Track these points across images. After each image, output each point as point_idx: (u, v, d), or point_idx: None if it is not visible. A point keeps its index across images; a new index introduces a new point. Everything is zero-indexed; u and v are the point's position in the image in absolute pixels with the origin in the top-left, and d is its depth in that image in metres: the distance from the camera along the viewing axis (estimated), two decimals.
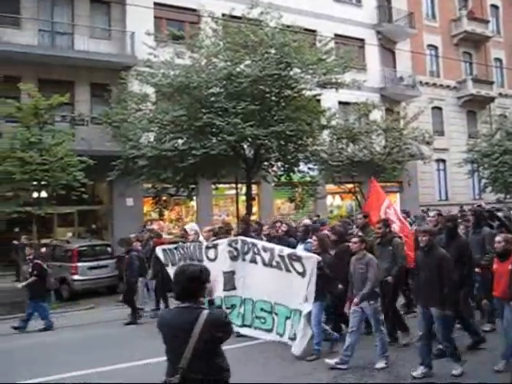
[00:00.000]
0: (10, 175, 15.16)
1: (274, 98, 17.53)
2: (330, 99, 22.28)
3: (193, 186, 19.43)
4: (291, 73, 17.26)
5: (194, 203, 23.69)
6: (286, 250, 8.93)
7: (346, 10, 29.58)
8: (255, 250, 9.29)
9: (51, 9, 22.21)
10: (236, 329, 9.28)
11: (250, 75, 16.35)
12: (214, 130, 16.50)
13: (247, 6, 18.17)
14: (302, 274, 8.33)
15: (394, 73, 31.21)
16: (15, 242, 16.35)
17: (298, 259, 8.49)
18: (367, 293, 7.52)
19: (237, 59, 16.82)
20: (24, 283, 12.40)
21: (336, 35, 26.10)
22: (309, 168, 20.18)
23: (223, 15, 19.80)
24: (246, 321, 9.40)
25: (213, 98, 16.46)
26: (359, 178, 23.11)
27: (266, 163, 18.96)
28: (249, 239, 9.85)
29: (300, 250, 9.54)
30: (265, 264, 9.10)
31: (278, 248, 9.11)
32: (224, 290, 9.69)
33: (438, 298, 6.93)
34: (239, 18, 18.57)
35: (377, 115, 24.15)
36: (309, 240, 9.83)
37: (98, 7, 22.95)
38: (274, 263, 8.90)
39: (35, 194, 16.57)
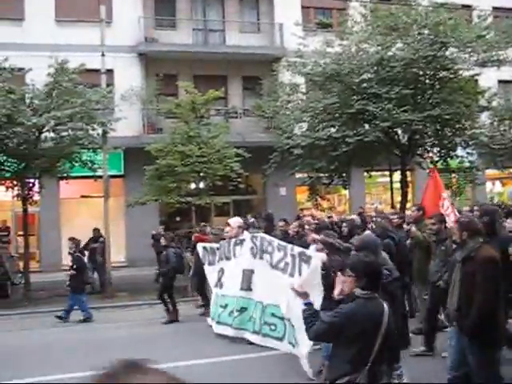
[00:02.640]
0: (173, 168, 16.06)
1: (428, 80, 16.82)
2: (489, 78, 20.87)
3: (346, 174, 19.26)
4: (447, 53, 16.41)
5: (346, 192, 23.53)
6: (297, 249, 8.13)
7: None
8: (270, 248, 8.63)
9: (203, 8, 23.19)
10: (247, 335, 8.96)
11: (403, 58, 15.80)
12: (366, 116, 16.22)
13: None
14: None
15: None
16: (153, 232, 17.14)
17: (308, 260, 7.67)
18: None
19: (388, 43, 16.33)
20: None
21: (494, 8, 24.39)
22: (467, 153, 19.11)
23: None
24: (255, 327, 8.74)
25: (365, 84, 16.12)
26: None
27: (420, 149, 18.27)
28: (268, 236, 9.24)
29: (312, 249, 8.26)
30: (272, 265, 8.49)
31: (289, 246, 8.35)
32: (240, 289, 9.24)
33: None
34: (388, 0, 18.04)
35: None
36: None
37: (247, 2, 23.54)
38: (282, 265, 8.22)
39: (194, 186, 17.41)
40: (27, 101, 15.38)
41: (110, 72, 19.21)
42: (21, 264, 16.97)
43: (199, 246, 11.20)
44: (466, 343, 5.08)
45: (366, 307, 3.91)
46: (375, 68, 16.33)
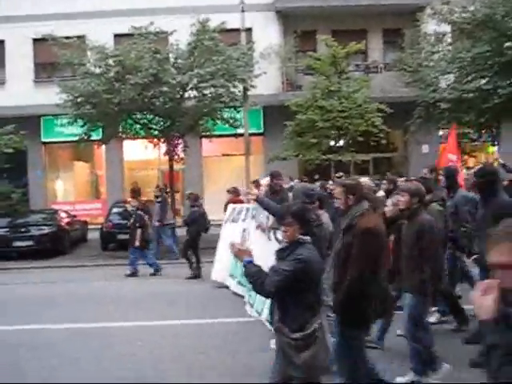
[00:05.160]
0: (313, 123, 15.88)
1: None
2: None
3: (496, 129, 17.95)
4: None
5: (494, 149, 21.97)
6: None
7: None
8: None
9: None
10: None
11: None
12: None
13: None
14: None
15: None
16: None
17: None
18: None
19: None
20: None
21: None
22: None
23: None
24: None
25: None
26: None
27: None
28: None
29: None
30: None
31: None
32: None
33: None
34: None
35: None
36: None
37: None
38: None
39: (333, 142, 17.14)
40: (171, 60, 15.88)
41: (248, 30, 19.31)
42: None
43: (230, 207, 11.44)
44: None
45: (315, 252, 3.99)
46: None
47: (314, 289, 3.96)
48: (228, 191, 12.93)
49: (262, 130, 21.30)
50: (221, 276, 10.69)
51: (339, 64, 16.96)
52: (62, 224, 17.10)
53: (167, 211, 15.01)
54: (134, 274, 12.74)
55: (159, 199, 14.91)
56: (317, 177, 20.20)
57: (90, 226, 19.67)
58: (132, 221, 13.04)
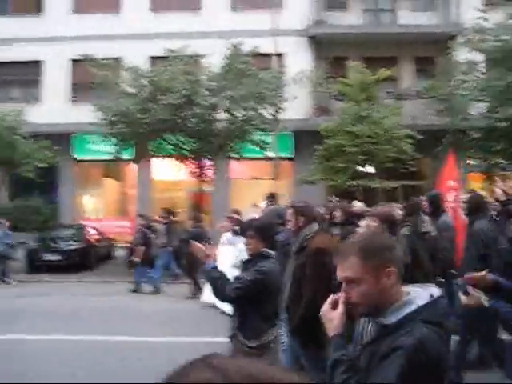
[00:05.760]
0: (341, 148, 15.92)
1: None
2: None
3: None
4: None
5: None
6: None
7: None
8: None
9: None
10: None
11: None
12: None
13: None
14: None
15: None
16: None
17: None
18: None
19: None
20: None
21: None
22: None
23: None
24: None
25: None
26: None
27: None
28: None
29: None
30: None
31: None
32: None
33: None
34: None
35: None
36: None
37: None
38: None
39: (361, 168, 17.11)
40: (204, 82, 16.14)
41: (280, 55, 19.56)
42: None
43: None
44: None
45: (276, 265, 4.16)
46: None
47: (272, 300, 4.10)
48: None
49: (292, 155, 21.36)
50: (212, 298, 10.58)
51: (369, 90, 17.02)
52: (90, 240, 17.36)
53: (173, 233, 15.12)
54: (136, 291, 13.13)
55: (166, 221, 15.06)
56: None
57: (118, 244, 19.88)
58: (136, 238, 13.57)
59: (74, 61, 20.97)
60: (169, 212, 15.50)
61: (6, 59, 22.02)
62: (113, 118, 15.77)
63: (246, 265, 4.24)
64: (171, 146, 16.95)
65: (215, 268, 4.05)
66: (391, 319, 2.00)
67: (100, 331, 8.75)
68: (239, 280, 3.98)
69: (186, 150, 16.78)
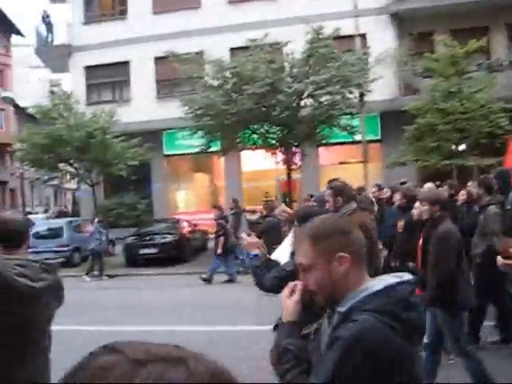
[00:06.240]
0: (433, 127, 15.35)
1: None
2: None
3: None
4: None
5: None
6: None
7: None
8: None
9: None
10: None
11: None
12: None
13: None
14: None
15: None
16: None
17: None
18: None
19: None
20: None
21: None
22: None
23: None
24: None
25: None
26: None
27: None
28: None
29: None
30: None
31: None
32: None
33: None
34: None
35: None
36: None
37: None
38: None
39: (454, 146, 16.42)
40: (287, 70, 16.03)
41: (362, 36, 19.10)
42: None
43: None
44: None
45: None
46: None
47: None
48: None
49: (379, 137, 20.88)
50: None
51: (459, 64, 16.26)
52: (184, 233, 17.76)
53: (241, 224, 15.37)
54: (208, 281, 13.29)
55: (233, 211, 15.28)
56: (438, 183, 19.49)
57: (211, 236, 20.23)
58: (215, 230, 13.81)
59: (158, 58, 21.47)
60: (235, 202, 15.77)
61: (97, 63, 22.97)
62: (199, 112, 16.00)
63: (292, 255, 4.16)
64: (257, 136, 16.99)
65: (257, 255, 4.03)
66: (343, 308, 1.89)
67: (203, 322, 8.92)
68: (279, 269, 3.85)
69: (273, 139, 16.75)
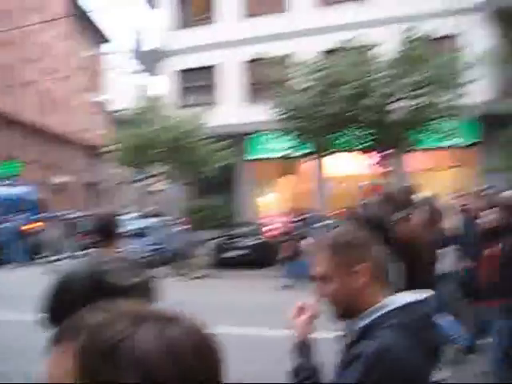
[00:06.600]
0: None
1: None
2: None
3: None
4: None
5: None
6: None
7: None
8: None
9: None
10: None
11: None
12: None
13: None
14: None
15: None
16: None
17: None
18: None
19: None
20: None
21: None
22: None
23: None
24: None
25: None
26: None
27: None
28: None
29: None
30: None
31: None
32: None
33: None
34: None
35: None
36: None
37: None
38: None
39: None
40: (378, 72, 15.59)
41: (458, 36, 18.36)
42: None
43: None
44: None
45: None
46: None
47: None
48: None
49: (476, 141, 19.70)
50: None
51: None
52: (270, 236, 17.82)
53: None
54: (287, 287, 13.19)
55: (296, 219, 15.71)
56: None
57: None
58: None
59: (247, 62, 21.57)
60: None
61: (188, 67, 23.45)
62: (289, 114, 15.90)
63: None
64: (345, 139, 16.63)
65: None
66: (361, 323, 1.87)
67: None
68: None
69: (362, 143, 16.35)
